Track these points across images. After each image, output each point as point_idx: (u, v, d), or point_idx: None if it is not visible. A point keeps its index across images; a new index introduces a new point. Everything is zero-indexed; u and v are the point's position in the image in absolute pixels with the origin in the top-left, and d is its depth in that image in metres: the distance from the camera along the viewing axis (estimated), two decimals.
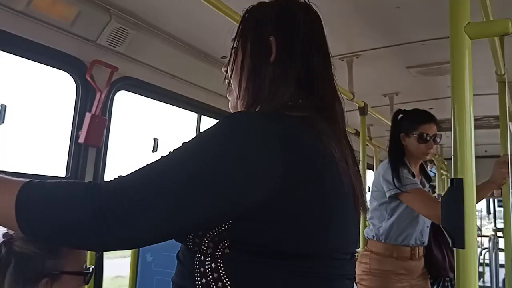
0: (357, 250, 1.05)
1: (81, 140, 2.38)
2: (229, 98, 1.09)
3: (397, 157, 2.51)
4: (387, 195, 2.42)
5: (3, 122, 2.10)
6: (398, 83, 3.64)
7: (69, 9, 2.20)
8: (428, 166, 7.67)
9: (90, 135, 2.37)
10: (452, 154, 1.10)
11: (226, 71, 1.07)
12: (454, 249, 1.08)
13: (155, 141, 3.08)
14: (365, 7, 2.37)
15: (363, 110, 3.46)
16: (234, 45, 1.04)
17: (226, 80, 1.08)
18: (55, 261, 1.00)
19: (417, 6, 2.32)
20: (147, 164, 0.78)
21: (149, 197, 0.73)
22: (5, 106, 2.10)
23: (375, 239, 2.52)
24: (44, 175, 2.35)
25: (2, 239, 1.04)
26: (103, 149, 2.55)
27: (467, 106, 1.08)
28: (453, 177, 1.09)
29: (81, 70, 2.39)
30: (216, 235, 0.82)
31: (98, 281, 2.40)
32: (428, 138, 2.47)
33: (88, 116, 2.39)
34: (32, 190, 0.76)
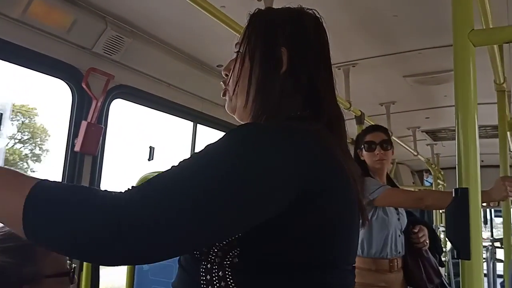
0: None
1: (77, 148, 2.35)
2: (225, 98, 1.05)
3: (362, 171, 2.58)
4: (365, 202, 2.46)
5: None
6: (395, 92, 3.65)
7: (65, 17, 2.19)
8: (424, 176, 7.70)
9: (86, 143, 2.35)
10: (457, 163, 1.08)
11: (227, 75, 1.04)
12: (459, 260, 1.06)
13: (151, 149, 3.06)
14: (362, 16, 2.37)
15: (359, 119, 3.45)
16: (241, 50, 1.00)
17: (222, 84, 1.05)
18: (33, 268, 0.95)
19: (414, 15, 2.32)
20: (163, 177, 0.72)
21: (171, 214, 0.67)
22: (1, 114, 2.08)
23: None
24: None
25: None
26: (99, 157, 2.53)
27: (471, 115, 1.07)
28: (457, 186, 1.07)
29: (77, 78, 2.37)
30: (226, 244, 0.80)
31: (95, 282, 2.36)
32: (374, 145, 2.54)
33: (84, 124, 2.36)
34: (44, 193, 0.67)
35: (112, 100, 2.61)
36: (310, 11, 1.04)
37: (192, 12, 1.86)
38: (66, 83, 2.40)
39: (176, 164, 0.75)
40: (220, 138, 0.78)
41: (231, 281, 0.80)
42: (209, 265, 0.82)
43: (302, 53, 0.97)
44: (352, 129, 3.78)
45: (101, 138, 2.48)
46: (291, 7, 1.04)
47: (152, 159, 3.08)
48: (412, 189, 2.50)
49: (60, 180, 2.35)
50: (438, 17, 2.22)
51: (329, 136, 0.90)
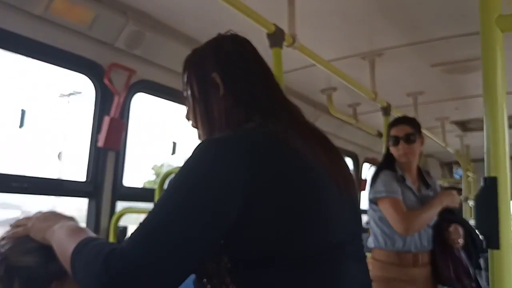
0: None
1: (100, 144, 2.41)
2: None
3: (383, 164, 2.60)
4: (369, 198, 2.51)
5: (22, 126, 2.15)
6: (423, 82, 3.61)
7: (87, 13, 2.24)
8: (454, 168, 7.58)
9: (109, 138, 2.40)
10: (485, 152, 1.09)
11: (188, 118, 1.16)
12: (488, 250, 1.07)
13: (174, 144, 3.11)
14: (387, 3, 2.36)
15: (386, 110, 3.43)
16: (185, 94, 1.15)
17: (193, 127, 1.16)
18: (57, 263, 0.99)
19: (441, 1, 2.30)
20: (147, 215, 0.86)
21: (151, 250, 0.80)
22: (25, 111, 2.14)
23: (376, 247, 2.53)
24: (66, 180, 2.40)
25: None
26: (122, 152, 2.59)
27: (500, 103, 1.07)
28: (486, 175, 1.08)
29: (99, 73, 2.43)
30: (215, 257, 0.91)
31: None
32: (398, 140, 2.53)
33: (106, 119, 2.42)
34: (80, 250, 0.89)
35: (134, 95, 2.66)
36: (227, 33, 1.17)
37: (213, 3, 1.88)
38: (89, 78, 2.47)
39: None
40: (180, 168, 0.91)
41: (233, 285, 0.90)
42: (210, 280, 0.93)
43: (231, 71, 1.09)
44: (378, 121, 3.77)
45: (124, 133, 2.53)
46: (210, 39, 1.18)
47: (175, 153, 3.13)
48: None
49: (85, 177, 2.43)
50: (465, 2, 2.20)
51: (278, 126, 0.99)
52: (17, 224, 1.10)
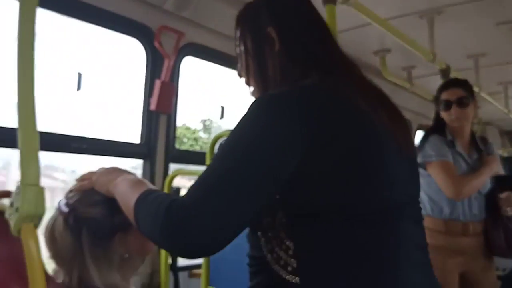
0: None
1: (152, 107, 2.44)
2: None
3: (432, 129, 2.52)
4: (418, 161, 2.39)
5: (80, 89, 2.20)
6: (485, 43, 3.39)
7: None
8: None
9: (160, 102, 2.43)
10: None
11: (240, 75, 1.15)
12: None
13: (222, 108, 3.12)
14: None
15: (445, 73, 3.27)
16: (238, 51, 1.13)
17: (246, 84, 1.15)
18: (121, 215, 1.03)
19: None
20: (207, 168, 0.88)
21: (212, 202, 0.81)
22: (81, 74, 2.19)
23: (424, 214, 2.46)
24: (122, 142, 2.46)
25: (66, 209, 1.09)
26: (173, 115, 2.62)
27: None
28: None
29: (149, 36, 2.44)
30: (270, 211, 0.92)
31: None
32: (449, 104, 2.42)
33: (158, 83, 2.44)
34: (142, 201, 0.91)
35: (183, 58, 2.66)
36: None
37: None
38: (140, 41, 2.49)
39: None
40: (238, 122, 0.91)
41: (288, 241, 0.91)
42: (265, 234, 0.95)
43: (288, 25, 1.06)
44: (434, 85, 3.63)
45: (174, 96, 2.56)
46: None
47: (223, 117, 3.14)
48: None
49: (139, 140, 2.49)
50: None
51: (336, 82, 0.97)
52: (82, 178, 1.16)
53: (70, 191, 1.15)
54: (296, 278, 0.89)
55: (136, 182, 1.02)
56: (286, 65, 1.03)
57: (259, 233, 0.96)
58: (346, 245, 0.88)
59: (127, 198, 0.97)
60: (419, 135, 5.38)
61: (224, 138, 2.12)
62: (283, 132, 0.86)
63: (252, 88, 1.12)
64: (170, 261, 2.36)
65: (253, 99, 1.03)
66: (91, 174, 1.14)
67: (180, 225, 0.79)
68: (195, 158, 2.90)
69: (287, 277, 0.90)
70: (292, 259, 0.90)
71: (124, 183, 1.03)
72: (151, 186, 0.99)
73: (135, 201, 0.92)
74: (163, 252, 2.21)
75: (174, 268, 2.52)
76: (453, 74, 3.32)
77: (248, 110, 0.91)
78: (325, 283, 0.88)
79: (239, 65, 1.14)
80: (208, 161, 2.10)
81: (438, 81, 3.32)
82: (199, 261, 2.32)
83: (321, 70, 1.01)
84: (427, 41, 2.96)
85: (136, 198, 0.92)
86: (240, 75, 1.15)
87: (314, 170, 0.87)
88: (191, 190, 0.84)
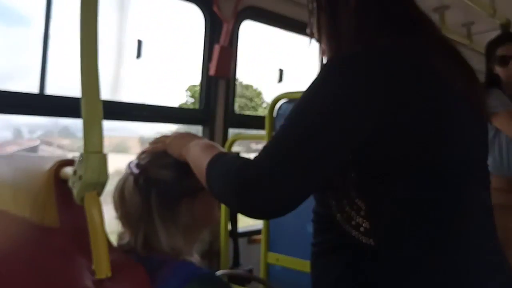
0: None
1: (211, 72, 2.43)
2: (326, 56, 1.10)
3: (488, 84, 2.37)
4: None
5: (140, 56, 2.21)
6: None
7: None
8: None
9: (219, 67, 2.41)
10: None
11: (311, 33, 1.09)
12: None
13: (281, 71, 3.07)
14: None
15: (505, 28, 3.07)
16: (310, 7, 1.06)
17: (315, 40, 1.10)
18: (190, 180, 1.05)
19: None
20: (279, 129, 0.86)
21: (286, 162, 0.80)
22: (141, 41, 2.20)
23: None
24: (181, 108, 2.48)
25: (137, 170, 1.10)
26: (232, 80, 2.60)
27: None
28: None
29: (208, 1, 2.41)
30: (341, 170, 0.89)
31: None
32: (507, 59, 2.26)
33: (216, 48, 2.42)
34: (214, 163, 0.92)
35: (242, 22, 2.62)
36: None
37: None
38: (198, 7, 2.46)
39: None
40: (310, 83, 0.88)
41: (359, 201, 0.89)
42: (334, 193, 0.93)
43: None
44: None
45: (233, 61, 2.53)
46: None
47: (281, 81, 3.10)
48: None
49: (199, 104, 2.49)
50: None
51: (413, 42, 0.92)
52: (156, 141, 1.17)
53: (142, 152, 1.16)
54: (370, 240, 0.88)
55: (209, 145, 1.03)
56: (361, 22, 0.97)
57: (328, 192, 0.94)
58: (419, 208, 0.86)
59: (199, 161, 0.97)
60: None
61: (284, 100, 2.11)
62: (358, 93, 0.83)
63: (323, 46, 1.07)
64: (230, 227, 2.38)
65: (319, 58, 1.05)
66: (164, 137, 1.15)
67: (254, 183, 0.79)
68: (254, 123, 2.89)
69: (360, 237, 0.89)
70: (364, 220, 0.89)
71: (196, 147, 1.03)
72: (222, 150, 1.00)
73: (207, 163, 0.92)
74: (222, 218, 2.23)
75: (234, 234, 2.54)
76: None
77: (320, 72, 0.89)
78: (401, 247, 0.86)
79: (310, 22, 1.09)
80: (267, 125, 2.07)
81: None
82: (259, 227, 2.32)
83: (397, 27, 0.96)
84: None
85: (209, 160, 0.93)
86: (310, 33, 1.10)
87: (388, 132, 0.84)
88: (265, 150, 0.84)
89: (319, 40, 1.08)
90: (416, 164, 0.86)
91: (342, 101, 0.83)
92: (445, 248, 0.86)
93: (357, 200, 0.89)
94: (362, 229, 0.88)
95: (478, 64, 4.79)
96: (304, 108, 0.86)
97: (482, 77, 5.05)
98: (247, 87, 8.98)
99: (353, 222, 0.90)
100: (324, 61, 1.09)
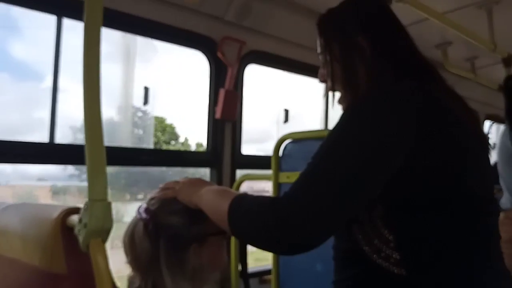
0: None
1: (217, 115, 2.43)
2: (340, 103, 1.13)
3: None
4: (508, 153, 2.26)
5: (147, 103, 2.22)
6: None
7: None
8: None
9: (225, 110, 2.41)
10: None
11: (325, 81, 1.13)
12: None
13: (286, 112, 3.07)
14: None
15: (508, 62, 3.09)
16: (323, 59, 1.11)
17: (329, 90, 1.13)
18: (199, 227, 1.06)
19: None
20: (306, 172, 0.87)
21: (319, 198, 0.81)
22: (148, 88, 2.21)
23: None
24: (188, 151, 2.46)
25: (147, 216, 1.09)
26: (238, 122, 2.59)
27: None
28: None
29: (212, 47, 2.43)
30: (369, 204, 0.90)
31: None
32: None
33: (222, 92, 2.42)
34: (238, 202, 0.92)
35: (246, 66, 2.64)
36: None
37: None
38: (203, 53, 2.48)
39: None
40: (337, 122, 0.91)
41: (388, 233, 0.90)
42: (361, 227, 0.94)
43: (378, 33, 1.05)
44: (498, 74, 3.42)
45: (239, 103, 2.53)
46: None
47: (287, 121, 3.09)
48: None
49: (205, 147, 2.48)
50: None
51: (431, 88, 0.95)
52: (166, 187, 1.16)
53: (152, 198, 1.15)
54: (402, 270, 0.89)
55: (224, 190, 1.04)
56: (378, 72, 1.02)
57: (353, 226, 0.95)
58: (447, 237, 0.89)
59: (217, 205, 0.97)
60: (487, 125, 5.13)
61: (289, 140, 2.10)
62: (390, 131, 0.86)
63: (339, 94, 1.11)
64: (240, 268, 2.33)
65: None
66: (175, 183, 1.15)
67: (289, 219, 0.80)
68: (261, 163, 2.87)
69: (391, 268, 0.90)
70: (394, 251, 0.89)
71: (209, 192, 1.04)
72: (238, 193, 1.00)
73: (229, 205, 0.92)
74: (233, 259, 2.19)
75: (244, 275, 2.49)
76: None
77: (350, 110, 0.92)
78: (432, 274, 0.88)
79: (322, 72, 1.13)
80: (273, 165, 2.06)
81: (501, 70, 3.14)
82: (269, 267, 2.27)
83: (411, 75, 0.99)
84: (487, 31, 2.79)
85: (230, 202, 0.92)
86: (324, 81, 1.14)
87: (417, 168, 0.87)
88: (296, 186, 0.85)
89: (332, 88, 1.11)
90: (441, 197, 0.88)
91: (374, 136, 0.85)
92: (470, 273, 0.89)
93: (385, 232, 0.90)
94: (392, 260, 0.90)
95: (485, 97, 4.82)
96: (335, 145, 0.87)
97: (487, 109, 5.07)
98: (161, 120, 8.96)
99: (383, 254, 0.90)
100: (336, 106, 1.13)
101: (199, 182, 1.13)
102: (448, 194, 0.89)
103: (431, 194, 0.88)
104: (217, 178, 2.48)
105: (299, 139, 2.10)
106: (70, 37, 1.88)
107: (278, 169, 2.09)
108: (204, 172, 2.53)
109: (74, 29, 1.89)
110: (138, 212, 1.12)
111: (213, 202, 1.00)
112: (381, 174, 0.85)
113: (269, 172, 2.13)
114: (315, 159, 0.88)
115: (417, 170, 0.87)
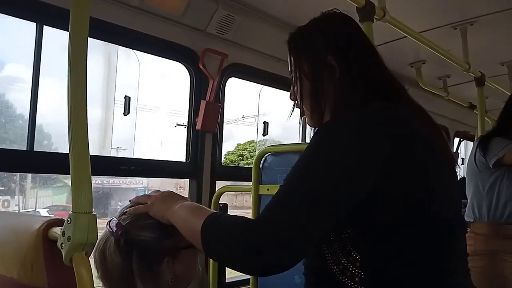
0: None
1: (198, 127, 2.41)
2: (308, 121, 1.13)
3: (494, 132, 2.42)
4: (491, 164, 2.26)
5: (128, 113, 2.18)
6: None
7: (180, 1, 2.21)
8: None
9: (206, 121, 2.39)
10: None
11: (294, 99, 1.12)
12: None
13: (265, 124, 3.07)
14: None
15: (480, 81, 3.15)
16: (292, 76, 1.10)
17: (297, 107, 1.14)
18: (171, 240, 1.05)
19: None
20: (280, 189, 0.87)
21: (289, 222, 0.81)
22: (129, 97, 2.18)
23: (476, 220, 2.33)
24: (168, 161, 2.43)
25: (119, 230, 1.07)
26: (218, 134, 2.57)
27: None
28: None
29: (194, 59, 2.41)
30: (338, 225, 0.90)
31: None
32: None
33: (203, 103, 2.40)
34: (211, 222, 0.90)
35: (227, 79, 2.63)
36: (331, 11, 1.11)
37: None
38: (184, 65, 2.46)
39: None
40: (308, 144, 0.92)
41: (355, 253, 0.90)
42: (330, 246, 0.93)
43: (348, 52, 1.03)
44: (471, 92, 3.49)
45: (220, 115, 2.51)
46: (315, 18, 1.12)
47: (267, 134, 3.09)
48: None
49: (185, 157, 2.45)
50: None
51: (400, 110, 0.96)
52: (137, 201, 1.13)
53: (124, 213, 1.12)
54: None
55: (196, 207, 1.02)
56: (347, 91, 1.01)
57: (324, 245, 0.95)
58: (411, 258, 0.89)
59: (190, 223, 0.96)
60: (456, 142, 5.22)
61: (269, 154, 2.10)
62: (358, 157, 0.86)
63: (307, 113, 1.10)
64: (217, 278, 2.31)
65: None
66: (146, 198, 1.12)
67: (260, 245, 0.80)
68: (240, 175, 2.86)
69: (355, 287, 0.90)
70: (359, 270, 0.89)
71: (182, 208, 1.01)
72: (210, 211, 0.98)
73: (202, 224, 0.90)
74: (211, 270, 2.16)
75: (222, 285, 2.45)
76: (487, 81, 3.20)
77: (322, 131, 0.92)
78: None
79: (292, 89, 1.12)
80: (254, 177, 2.05)
81: (473, 88, 3.21)
82: (247, 276, 2.25)
83: (379, 95, 0.99)
84: (461, 51, 2.86)
85: (203, 221, 0.91)
86: (293, 98, 1.13)
87: (384, 192, 0.87)
88: (268, 208, 0.85)
89: (300, 106, 1.10)
90: (407, 221, 0.89)
91: (343, 163, 0.85)
92: None
93: (353, 252, 0.90)
94: (357, 279, 0.90)
95: (455, 114, 4.90)
96: (305, 168, 0.88)
97: (457, 125, 5.15)
98: None
99: (349, 273, 0.90)
100: (298, 120, 1.15)
101: (171, 196, 1.10)
102: (412, 219, 0.89)
103: (396, 219, 0.89)
104: (197, 189, 2.45)
105: (278, 152, 2.10)
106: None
107: (258, 182, 2.08)
108: (184, 183, 2.50)
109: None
110: (109, 226, 1.09)
111: (186, 220, 0.98)
112: (350, 198, 0.85)
113: (249, 183, 2.12)
114: (288, 181, 0.88)
115: (383, 196, 0.87)
